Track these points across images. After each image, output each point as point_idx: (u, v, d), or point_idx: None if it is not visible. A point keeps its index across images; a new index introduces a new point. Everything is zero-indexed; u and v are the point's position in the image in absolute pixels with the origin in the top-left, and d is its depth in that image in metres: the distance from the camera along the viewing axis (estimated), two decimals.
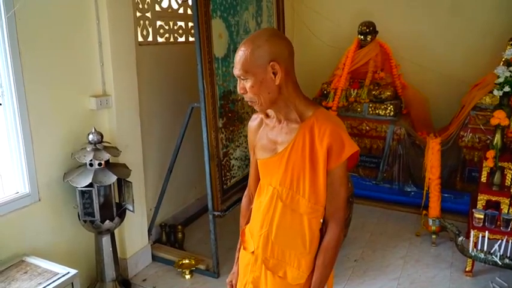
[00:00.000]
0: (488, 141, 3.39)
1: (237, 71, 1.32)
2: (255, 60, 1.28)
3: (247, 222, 1.60)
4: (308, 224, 1.40)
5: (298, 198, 1.38)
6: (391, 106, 4.01)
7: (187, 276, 2.93)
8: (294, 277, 1.43)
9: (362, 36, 4.18)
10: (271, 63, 1.28)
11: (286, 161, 1.37)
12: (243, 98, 2.96)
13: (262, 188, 1.49)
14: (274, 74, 1.30)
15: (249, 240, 1.54)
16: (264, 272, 1.46)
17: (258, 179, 1.56)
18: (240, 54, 1.30)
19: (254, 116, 1.53)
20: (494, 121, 2.90)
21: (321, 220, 1.41)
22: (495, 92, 2.93)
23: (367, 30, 4.15)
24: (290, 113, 1.37)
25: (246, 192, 1.69)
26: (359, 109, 4.12)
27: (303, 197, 1.38)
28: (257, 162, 1.52)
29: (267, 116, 1.47)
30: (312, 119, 1.34)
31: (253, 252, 1.50)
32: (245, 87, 1.32)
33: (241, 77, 1.31)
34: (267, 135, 1.45)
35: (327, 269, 1.42)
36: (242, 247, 1.58)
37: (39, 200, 2.35)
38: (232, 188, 2.94)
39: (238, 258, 1.63)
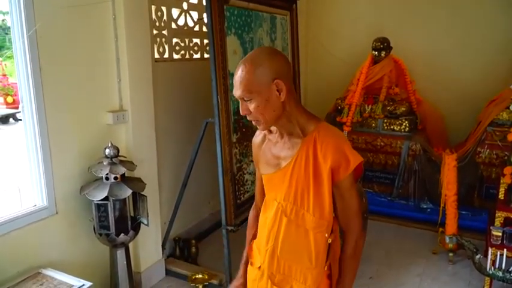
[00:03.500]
0: (505, 158, 3.34)
1: (239, 92, 1.28)
2: (258, 79, 1.26)
3: (255, 235, 1.61)
4: (313, 238, 1.39)
5: (303, 213, 1.38)
6: (406, 122, 3.99)
7: None
8: None
9: (376, 52, 4.18)
10: (275, 81, 1.27)
11: (289, 176, 1.38)
12: None
13: (268, 203, 1.50)
14: (279, 91, 1.29)
15: (256, 255, 1.55)
16: None
17: (263, 193, 1.56)
18: (241, 75, 1.27)
19: (257, 132, 1.54)
20: (511, 137, 2.87)
21: (326, 235, 1.41)
22: (511, 108, 2.90)
23: (381, 46, 4.15)
24: (293, 128, 1.37)
25: (253, 206, 1.70)
26: (373, 125, 4.10)
27: (308, 212, 1.38)
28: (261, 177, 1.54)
29: (270, 131, 1.47)
30: (314, 134, 1.35)
31: (259, 267, 1.50)
32: (248, 108, 1.30)
33: (245, 98, 1.29)
34: (270, 151, 1.45)
35: (349, 274, 1.48)
36: (249, 262, 1.59)
37: (56, 213, 2.39)
38: (245, 203, 2.94)
39: (243, 272, 1.63)
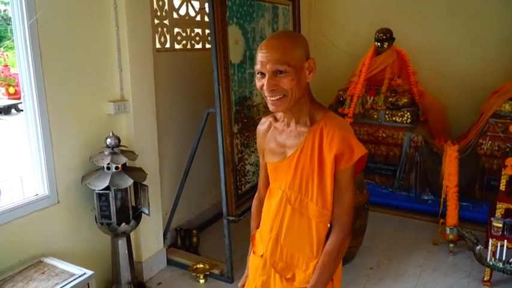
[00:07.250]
0: (507, 149, 3.33)
1: (274, 65, 1.24)
2: (297, 54, 1.27)
3: (258, 225, 1.60)
4: (316, 228, 1.39)
5: (307, 202, 1.38)
6: (408, 113, 3.98)
7: (202, 281, 2.94)
8: (300, 280, 1.43)
9: (379, 43, 4.16)
10: (308, 59, 1.30)
11: (295, 165, 1.37)
12: (259, 104, 3.01)
13: (272, 191, 1.50)
14: (309, 70, 1.31)
15: (259, 244, 1.55)
16: (272, 275, 1.47)
17: (268, 182, 1.55)
18: (279, 47, 1.25)
19: (263, 119, 1.54)
20: None
21: (328, 225, 1.40)
22: None
23: (384, 37, 4.13)
24: (302, 117, 1.37)
25: (256, 195, 1.68)
26: (375, 116, 4.09)
27: (311, 201, 1.37)
28: (266, 166, 1.53)
29: (276, 119, 1.47)
30: (320, 123, 1.34)
31: (262, 255, 1.50)
32: (279, 83, 1.26)
33: (280, 70, 1.25)
34: (275, 139, 1.45)
35: (324, 273, 1.38)
36: (252, 251, 1.59)
37: (58, 202, 2.40)
38: (247, 194, 2.95)
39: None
